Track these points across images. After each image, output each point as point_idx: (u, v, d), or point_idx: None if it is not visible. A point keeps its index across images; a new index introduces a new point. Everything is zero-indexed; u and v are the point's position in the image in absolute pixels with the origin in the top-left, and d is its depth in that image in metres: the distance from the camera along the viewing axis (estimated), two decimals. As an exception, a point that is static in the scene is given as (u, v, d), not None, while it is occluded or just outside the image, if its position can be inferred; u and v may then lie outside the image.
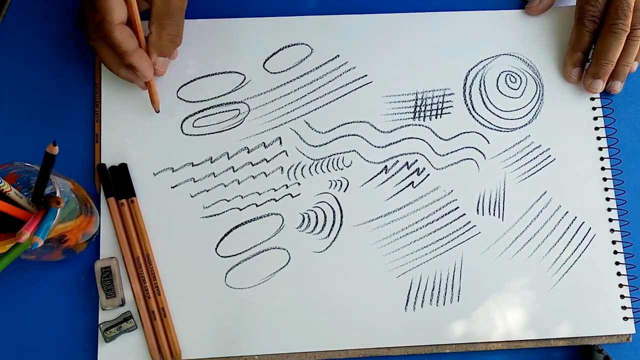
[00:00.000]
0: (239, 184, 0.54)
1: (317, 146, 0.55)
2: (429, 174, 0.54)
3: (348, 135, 0.55)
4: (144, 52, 0.51)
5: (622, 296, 0.52)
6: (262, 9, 0.58)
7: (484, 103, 0.56)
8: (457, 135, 0.55)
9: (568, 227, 0.54)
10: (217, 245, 0.52)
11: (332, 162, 0.55)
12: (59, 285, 0.51)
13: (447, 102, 0.56)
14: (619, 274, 0.53)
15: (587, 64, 0.57)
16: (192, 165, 0.54)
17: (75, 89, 0.55)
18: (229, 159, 0.54)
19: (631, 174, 0.56)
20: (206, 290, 0.51)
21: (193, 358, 0.50)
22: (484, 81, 0.57)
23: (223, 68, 0.56)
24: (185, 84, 0.56)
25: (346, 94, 0.56)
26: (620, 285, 0.53)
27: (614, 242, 0.53)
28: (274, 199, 0.53)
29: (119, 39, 0.48)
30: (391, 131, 0.55)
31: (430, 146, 0.55)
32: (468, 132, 0.56)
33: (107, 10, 0.46)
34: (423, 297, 0.52)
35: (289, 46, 0.57)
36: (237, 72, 0.56)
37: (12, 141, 0.54)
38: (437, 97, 0.56)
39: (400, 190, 0.54)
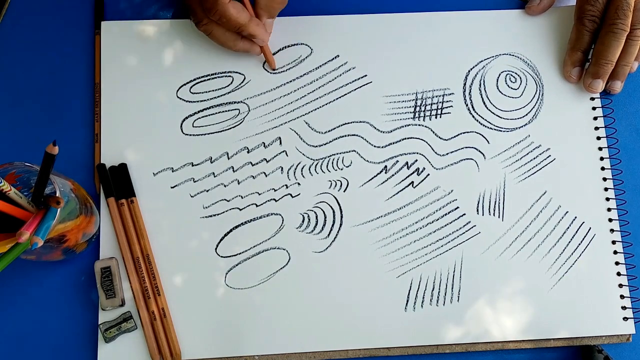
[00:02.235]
0: (238, 184, 0.54)
1: (317, 146, 0.55)
2: (429, 174, 0.54)
3: (348, 135, 0.55)
4: (256, 19, 0.53)
5: (622, 296, 0.52)
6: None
7: (484, 103, 0.56)
8: (457, 135, 0.55)
9: (568, 227, 0.54)
10: (217, 245, 0.52)
11: (332, 162, 0.55)
12: (59, 285, 0.51)
13: (447, 102, 0.56)
14: (619, 274, 0.53)
15: (587, 63, 0.57)
16: (192, 165, 0.54)
17: (75, 89, 0.55)
18: (228, 159, 0.54)
19: (631, 174, 0.56)
20: (206, 290, 0.51)
21: (193, 358, 0.50)
22: (483, 81, 0.57)
23: (223, 68, 0.56)
24: (185, 84, 0.56)
25: (346, 94, 0.56)
26: (620, 285, 0.53)
27: (614, 242, 0.53)
28: (274, 199, 0.53)
29: (234, 15, 0.50)
30: (391, 131, 0.55)
31: (430, 146, 0.55)
32: (468, 132, 0.56)
33: None
34: (423, 297, 0.52)
35: (289, 46, 0.57)
36: (237, 72, 0.56)
37: (12, 141, 0.54)
38: (437, 97, 0.56)
39: (400, 190, 0.54)
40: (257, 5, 0.53)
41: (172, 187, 0.53)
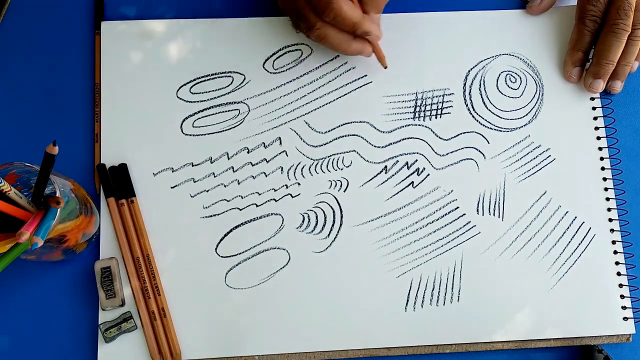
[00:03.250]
0: (239, 184, 0.54)
1: (317, 146, 0.55)
2: (429, 174, 0.54)
3: (348, 135, 0.55)
4: (369, 15, 0.52)
5: (622, 296, 0.52)
6: (262, 9, 0.58)
7: (484, 103, 0.56)
8: (457, 135, 0.55)
9: (568, 227, 0.54)
10: (217, 245, 0.52)
11: (332, 162, 0.55)
12: (59, 285, 0.51)
13: (447, 102, 0.56)
14: (619, 274, 0.53)
15: (587, 63, 0.57)
16: (192, 166, 0.54)
17: (75, 89, 0.55)
18: (228, 159, 0.54)
19: (631, 174, 0.56)
20: (206, 290, 0.51)
21: (193, 358, 0.50)
22: (483, 81, 0.57)
23: (223, 68, 0.56)
24: (185, 84, 0.56)
25: (346, 94, 0.56)
26: (620, 285, 0.53)
27: (614, 242, 0.53)
28: (274, 199, 0.53)
29: (349, 13, 0.49)
30: (391, 131, 0.55)
31: (430, 146, 0.55)
32: (468, 132, 0.55)
33: None
34: (423, 297, 0.52)
35: (289, 46, 0.57)
36: (237, 72, 0.56)
37: (12, 141, 0.54)
38: (437, 97, 0.56)
39: (400, 190, 0.54)
40: (363, 3, 0.52)
41: (172, 187, 0.53)
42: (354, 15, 0.50)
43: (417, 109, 0.56)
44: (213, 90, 0.56)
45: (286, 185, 0.54)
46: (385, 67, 0.56)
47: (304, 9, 0.50)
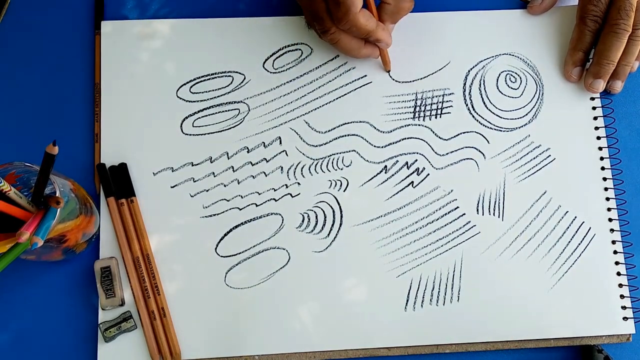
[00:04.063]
0: (238, 183, 0.54)
1: (317, 146, 0.55)
2: (428, 174, 0.54)
3: (348, 135, 0.55)
4: (382, 24, 0.53)
5: (622, 296, 0.52)
6: (263, 9, 0.58)
7: (484, 103, 0.56)
8: (456, 135, 0.55)
9: (568, 227, 0.54)
10: (217, 245, 0.52)
11: (332, 162, 0.55)
12: (59, 285, 0.51)
13: (447, 102, 0.56)
14: (619, 274, 0.53)
15: (587, 63, 0.56)
16: (192, 165, 0.54)
17: (75, 89, 0.55)
18: (228, 158, 0.54)
19: (631, 174, 0.56)
20: (206, 290, 0.51)
21: (193, 358, 0.50)
22: (483, 81, 0.57)
23: (223, 68, 0.56)
24: (185, 84, 0.56)
25: (346, 94, 0.56)
26: (620, 285, 0.52)
27: (614, 242, 0.53)
28: (274, 199, 0.53)
29: (364, 23, 0.51)
30: (391, 131, 0.55)
31: (430, 146, 0.55)
32: (468, 132, 0.55)
33: (352, 2, 0.49)
34: (423, 297, 0.52)
35: (289, 46, 0.57)
36: (237, 72, 0.56)
37: (12, 141, 0.54)
38: (437, 97, 0.56)
39: (400, 190, 0.54)
40: (382, 11, 0.53)
41: (172, 187, 0.53)
42: (368, 25, 0.51)
43: (417, 109, 0.56)
44: (213, 90, 0.56)
45: (286, 185, 0.54)
46: (388, 71, 0.56)
47: (321, 13, 0.51)
